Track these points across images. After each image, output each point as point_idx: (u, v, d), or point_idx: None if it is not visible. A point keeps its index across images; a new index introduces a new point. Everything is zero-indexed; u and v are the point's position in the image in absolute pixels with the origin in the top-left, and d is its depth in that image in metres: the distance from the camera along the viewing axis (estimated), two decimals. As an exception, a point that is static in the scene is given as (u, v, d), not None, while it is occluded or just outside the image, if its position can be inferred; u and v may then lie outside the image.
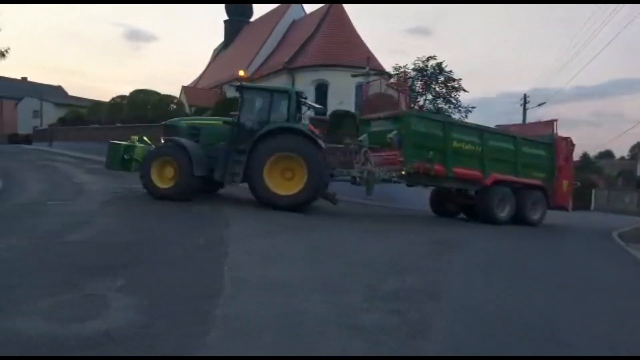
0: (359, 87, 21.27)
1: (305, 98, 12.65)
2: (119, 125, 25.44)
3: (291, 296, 4.52)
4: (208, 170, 11.20)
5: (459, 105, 28.40)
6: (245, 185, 11.23)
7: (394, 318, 4.08)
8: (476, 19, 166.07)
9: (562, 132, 14.24)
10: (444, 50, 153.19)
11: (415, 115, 12.18)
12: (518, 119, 31.04)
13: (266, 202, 10.89)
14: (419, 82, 28.21)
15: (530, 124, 16.41)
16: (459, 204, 14.04)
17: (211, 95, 31.07)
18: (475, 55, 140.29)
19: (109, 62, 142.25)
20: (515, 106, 36.66)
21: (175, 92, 31.21)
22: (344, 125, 15.22)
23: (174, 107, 25.32)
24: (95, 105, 34.94)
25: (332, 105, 23.67)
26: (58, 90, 64.16)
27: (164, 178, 11.11)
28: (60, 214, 8.75)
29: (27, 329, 3.28)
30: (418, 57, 28.13)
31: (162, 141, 11.86)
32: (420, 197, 15.53)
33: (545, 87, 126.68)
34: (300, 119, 12.29)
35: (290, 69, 27.96)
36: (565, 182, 13.92)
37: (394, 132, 11.77)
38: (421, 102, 28.13)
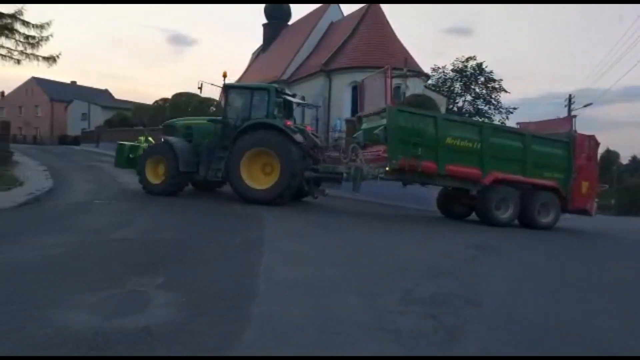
0: (397, 89, 21.02)
1: (293, 95, 13.28)
2: (161, 127, 26.21)
3: (326, 297, 4.54)
4: (196, 167, 11.88)
5: (500, 107, 27.72)
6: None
7: (429, 322, 4.03)
8: (518, 16, 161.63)
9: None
10: (485, 51, 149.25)
11: (399, 110, 11.45)
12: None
13: (241, 195, 11.39)
14: (459, 83, 27.72)
15: (549, 120, 15.00)
16: (464, 205, 13.20)
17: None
18: (519, 55, 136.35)
19: (153, 66, 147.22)
20: (560, 107, 35.47)
21: (215, 94, 31.94)
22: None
23: (214, 109, 25.89)
24: (139, 108, 36.27)
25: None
26: (105, 93, 67.03)
27: (158, 175, 11.95)
28: (106, 212, 9.19)
29: (73, 323, 3.42)
30: (457, 58, 27.70)
31: (162, 140, 12.60)
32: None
33: (591, 87, 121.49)
34: (290, 115, 12.84)
35: (327, 71, 28.01)
36: (585, 184, 12.59)
37: (380, 128, 11.43)
38: (460, 103, 27.62)
